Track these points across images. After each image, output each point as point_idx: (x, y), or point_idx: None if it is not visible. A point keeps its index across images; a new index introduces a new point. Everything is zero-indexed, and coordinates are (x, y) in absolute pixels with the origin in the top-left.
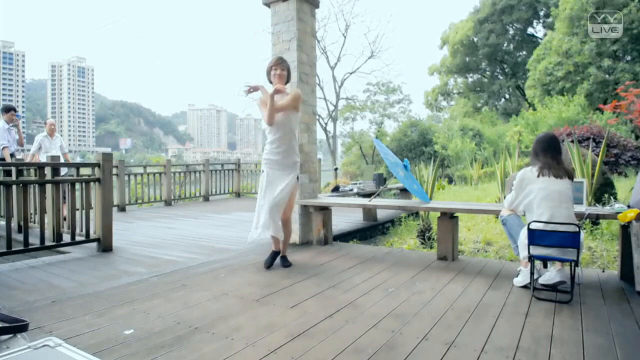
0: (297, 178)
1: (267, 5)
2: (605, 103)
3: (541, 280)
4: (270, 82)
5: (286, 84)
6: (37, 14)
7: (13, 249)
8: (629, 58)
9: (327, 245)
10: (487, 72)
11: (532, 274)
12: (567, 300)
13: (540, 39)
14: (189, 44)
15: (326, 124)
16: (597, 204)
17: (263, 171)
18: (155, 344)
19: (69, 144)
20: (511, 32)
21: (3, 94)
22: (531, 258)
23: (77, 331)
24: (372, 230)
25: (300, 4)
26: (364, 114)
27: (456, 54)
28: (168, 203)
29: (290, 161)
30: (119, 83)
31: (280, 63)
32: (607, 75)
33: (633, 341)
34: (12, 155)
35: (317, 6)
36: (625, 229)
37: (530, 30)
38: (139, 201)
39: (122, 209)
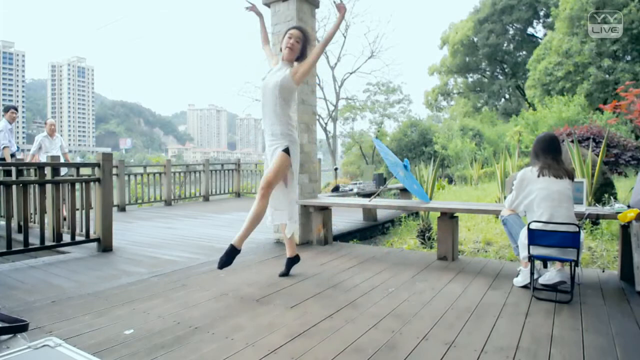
0: (287, 152)
1: (267, 5)
2: (605, 103)
3: (541, 280)
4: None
5: (299, 59)
6: (37, 14)
7: (13, 249)
8: (629, 58)
9: (327, 245)
10: (487, 72)
11: (532, 274)
12: (567, 300)
13: (540, 39)
14: (189, 44)
15: (326, 124)
16: (597, 204)
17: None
18: (155, 344)
19: (69, 144)
20: (511, 32)
21: (3, 94)
22: (531, 258)
23: (77, 331)
24: (372, 230)
25: (300, 4)
26: (364, 114)
27: (456, 54)
28: (168, 203)
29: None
30: (119, 83)
31: (296, 33)
32: (607, 75)
33: (633, 341)
34: (12, 155)
35: (317, 6)
36: (625, 229)
37: (530, 30)
38: (139, 201)
39: (122, 209)
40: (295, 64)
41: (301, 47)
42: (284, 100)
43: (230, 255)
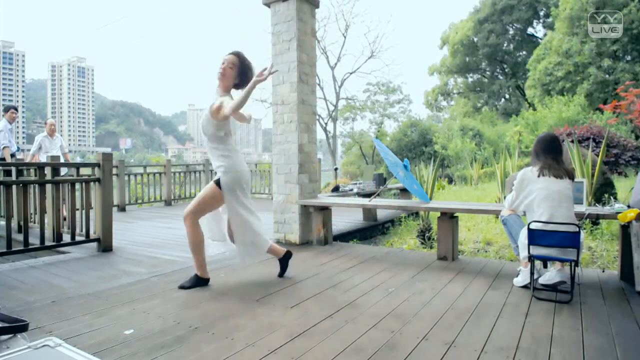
0: (218, 184)
1: (267, 5)
2: (605, 103)
3: (541, 280)
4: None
5: (238, 87)
6: (37, 14)
7: (13, 249)
8: (629, 58)
9: (327, 245)
10: (487, 72)
11: (532, 274)
12: (567, 300)
13: (540, 39)
14: (189, 44)
15: (326, 124)
16: (597, 204)
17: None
18: (155, 344)
19: (69, 144)
20: (511, 32)
21: (3, 94)
22: (531, 258)
23: (77, 331)
24: (372, 230)
25: (300, 4)
26: (364, 114)
27: (456, 54)
28: (168, 203)
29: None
30: (119, 83)
31: (229, 58)
32: (607, 75)
33: (633, 341)
34: (12, 155)
35: (317, 6)
36: (625, 229)
37: (530, 30)
38: (139, 201)
39: (122, 209)
40: (233, 92)
41: (237, 73)
42: (208, 137)
43: (195, 283)
